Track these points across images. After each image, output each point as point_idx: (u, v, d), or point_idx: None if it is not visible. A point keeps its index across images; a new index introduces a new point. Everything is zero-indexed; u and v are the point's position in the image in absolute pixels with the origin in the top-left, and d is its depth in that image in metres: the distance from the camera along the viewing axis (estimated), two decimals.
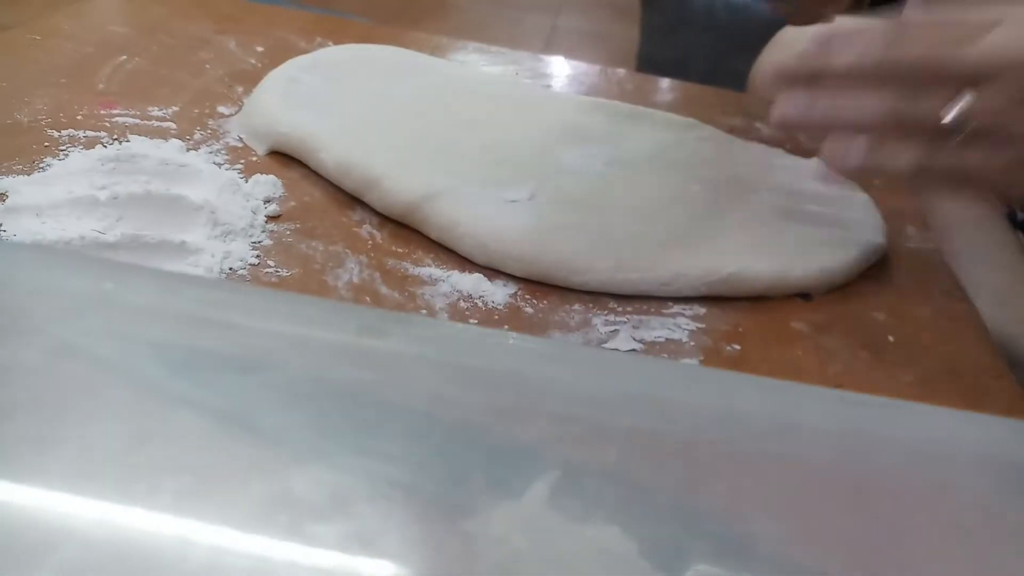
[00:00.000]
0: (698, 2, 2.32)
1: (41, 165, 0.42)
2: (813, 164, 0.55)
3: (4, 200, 0.39)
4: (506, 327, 0.38)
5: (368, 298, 0.38)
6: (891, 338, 0.42)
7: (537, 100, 0.57)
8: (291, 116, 0.47)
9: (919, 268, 0.48)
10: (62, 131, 0.45)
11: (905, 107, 0.35)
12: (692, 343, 0.39)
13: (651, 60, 2.77)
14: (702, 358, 0.38)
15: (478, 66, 0.65)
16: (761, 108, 0.66)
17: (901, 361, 0.40)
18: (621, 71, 0.69)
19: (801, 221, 0.48)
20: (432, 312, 0.38)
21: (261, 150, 0.47)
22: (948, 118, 0.34)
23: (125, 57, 0.55)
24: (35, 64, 0.53)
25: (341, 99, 0.50)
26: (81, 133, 0.45)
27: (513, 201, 0.44)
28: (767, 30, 0.62)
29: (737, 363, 0.38)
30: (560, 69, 0.68)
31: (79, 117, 0.47)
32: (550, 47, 3.17)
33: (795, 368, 0.38)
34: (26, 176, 0.41)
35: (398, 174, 0.43)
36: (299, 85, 0.51)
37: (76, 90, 0.50)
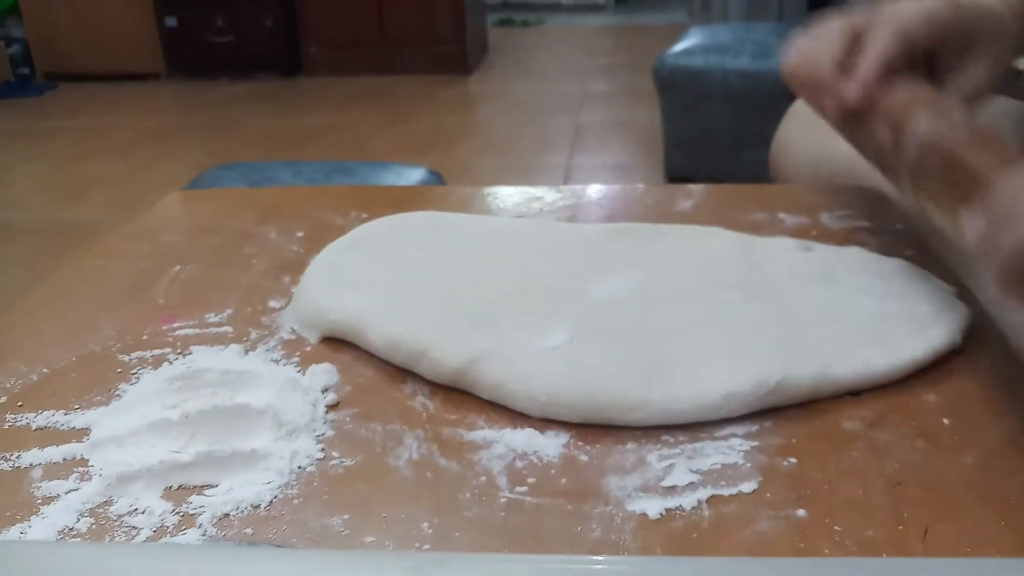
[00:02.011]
0: (713, 77, 2.37)
1: (117, 393, 0.46)
2: (853, 252, 0.56)
3: (88, 435, 0.42)
4: (563, 480, 0.39)
5: (430, 473, 0.40)
6: (946, 421, 0.42)
7: (563, 236, 0.60)
8: (337, 302, 0.50)
9: (965, 339, 0.48)
10: (131, 354, 0.49)
11: None
12: (748, 464, 0.40)
13: (677, 139, 2.82)
14: (761, 479, 0.39)
15: (504, 206, 0.69)
16: (782, 198, 0.68)
17: (960, 444, 0.40)
18: (641, 186, 0.71)
19: (843, 314, 0.49)
20: (491, 478, 0.39)
21: (314, 338, 0.50)
22: None
23: (179, 267, 0.59)
24: (100, 288, 0.57)
25: (381, 275, 0.54)
26: (148, 353, 0.49)
27: (554, 348, 0.46)
28: (784, 94, 0.63)
29: (795, 478, 0.39)
30: (583, 196, 0.70)
31: (144, 337, 0.51)
32: (578, 143, 3.26)
33: (854, 473, 0.39)
34: (105, 407, 0.45)
35: (442, 343, 0.46)
36: (341, 269, 0.54)
37: (139, 309, 0.54)
